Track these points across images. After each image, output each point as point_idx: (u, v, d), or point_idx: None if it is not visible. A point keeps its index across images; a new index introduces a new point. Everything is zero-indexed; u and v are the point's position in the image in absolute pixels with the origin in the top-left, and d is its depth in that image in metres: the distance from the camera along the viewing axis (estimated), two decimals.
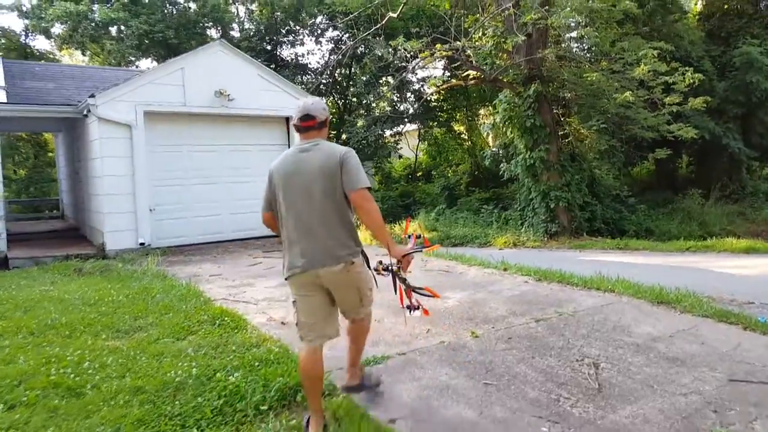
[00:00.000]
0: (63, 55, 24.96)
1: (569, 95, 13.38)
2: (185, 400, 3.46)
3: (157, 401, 3.49)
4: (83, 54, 23.05)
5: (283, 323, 4.97)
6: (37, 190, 22.43)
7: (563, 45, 13.70)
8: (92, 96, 9.11)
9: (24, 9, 20.90)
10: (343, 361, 3.56)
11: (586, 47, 14.63)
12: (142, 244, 9.62)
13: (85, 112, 9.59)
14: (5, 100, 9.58)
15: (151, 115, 9.71)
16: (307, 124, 3.14)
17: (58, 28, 20.64)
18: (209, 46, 10.45)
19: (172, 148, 10.12)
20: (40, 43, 25.29)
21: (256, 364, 3.90)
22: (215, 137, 10.59)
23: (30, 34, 23.22)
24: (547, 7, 11.12)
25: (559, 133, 13.40)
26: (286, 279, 3.21)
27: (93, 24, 19.45)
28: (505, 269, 7.16)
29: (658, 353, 4.05)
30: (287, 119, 11.30)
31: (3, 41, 24.21)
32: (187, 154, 10.29)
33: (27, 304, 5.81)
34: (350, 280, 3.11)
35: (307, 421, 3.09)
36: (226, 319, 5.01)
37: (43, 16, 19.80)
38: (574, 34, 14.65)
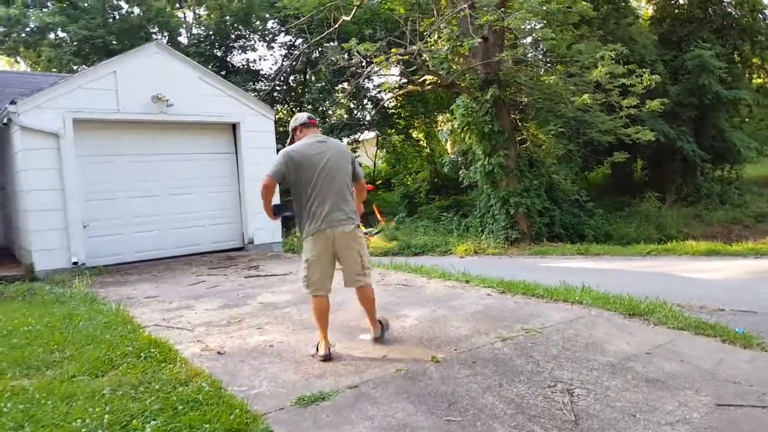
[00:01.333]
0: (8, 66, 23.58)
1: (526, 99, 13.19)
2: None
3: None
4: (16, 62, 21.74)
5: (219, 353, 4.37)
6: None
7: (520, 49, 13.51)
8: (13, 103, 8.24)
9: None
10: (284, 399, 3.45)
11: (542, 51, 14.51)
12: (75, 263, 8.80)
13: (5, 121, 8.71)
14: None
15: (82, 123, 8.90)
16: (314, 122, 4.42)
17: None
18: (144, 48, 9.68)
19: (106, 158, 9.31)
20: None
21: (181, 407, 3.30)
22: (154, 146, 9.82)
23: None
24: (503, 8, 10.87)
25: (517, 139, 13.20)
26: (309, 236, 4.11)
27: (27, 29, 18.27)
28: (467, 281, 6.72)
29: (636, 374, 3.66)
30: (234, 126, 10.64)
31: None
32: (123, 164, 9.48)
33: None
34: (354, 241, 4.16)
35: (316, 346, 4.18)
36: (153, 350, 4.37)
37: None
38: (529, 39, 14.54)
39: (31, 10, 18.23)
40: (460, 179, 14.34)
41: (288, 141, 4.43)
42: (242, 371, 3.94)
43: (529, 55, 14.18)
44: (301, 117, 4.41)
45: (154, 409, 3.28)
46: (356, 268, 4.16)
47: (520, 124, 13.28)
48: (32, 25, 17.98)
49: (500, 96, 12.20)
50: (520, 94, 13.03)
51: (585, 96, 11.15)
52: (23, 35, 18.48)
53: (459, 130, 13.25)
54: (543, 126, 13.74)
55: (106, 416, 3.21)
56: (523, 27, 12.01)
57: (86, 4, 18.97)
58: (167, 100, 9.47)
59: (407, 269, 7.88)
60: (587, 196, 15.70)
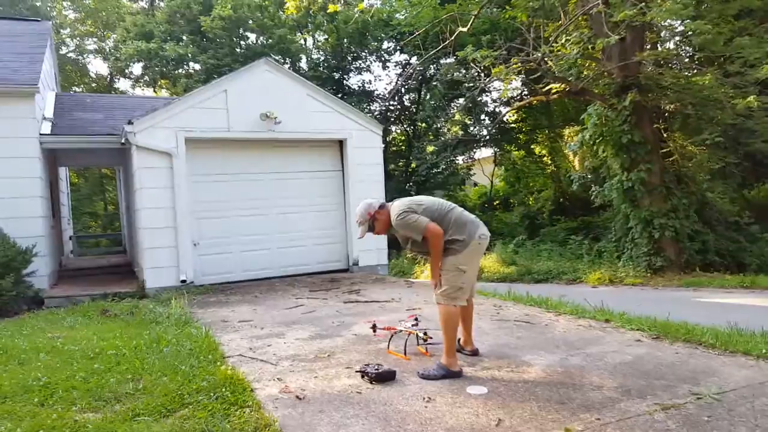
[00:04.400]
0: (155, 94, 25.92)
1: (672, 106, 11.42)
2: None
3: None
4: (155, 90, 23.58)
5: (298, 397, 3.63)
6: (121, 226, 22.96)
7: (663, 50, 11.82)
8: (130, 123, 8.38)
9: (105, 51, 21.66)
10: None
11: (690, 49, 12.60)
12: (183, 281, 8.72)
13: (123, 140, 8.94)
14: (49, 132, 9.20)
15: (193, 142, 8.88)
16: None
17: (135, 69, 21.20)
18: (254, 66, 9.54)
19: (217, 177, 9.22)
20: (122, 84, 26.50)
21: None
22: (262, 164, 9.62)
23: (114, 77, 24.18)
24: (644, 2, 9.42)
25: (661, 151, 11.47)
26: (469, 248, 3.93)
27: (164, 61, 19.66)
28: (606, 320, 5.45)
29: None
30: (341, 142, 10.20)
31: (95, 85, 25.50)
32: (232, 183, 9.34)
33: (24, 355, 4.91)
34: None
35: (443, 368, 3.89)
36: (226, 389, 3.75)
37: (119, 56, 20.28)
38: (674, 39, 12.75)
39: (167, 44, 19.58)
40: (592, 198, 12.79)
41: (370, 227, 4.25)
42: (319, 426, 3.16)
43: (676, 53, 12.35)
44: (375, 202, 4.24)
45: None
46: (475, 283, 4.42)
47: (664, 134, 11.53)
48: (167, 57, 19.25)
49: (641, 101, 10.64)
50: (665, 99, 11.31)
51: (751, 98, 9.26)
52: (160, 68, 19.89)
53: (590, 142, 11.77)
54: (693, 136, 11.83)
55: None
56: (668, 24, 10.41)
57: (214, 35, 20.00)
58: (275, 118, 9.23)
59: (528, 301, 6.73)
60: (749, 218, 13.36)
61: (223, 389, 3.75)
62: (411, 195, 20.55)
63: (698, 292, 9.42)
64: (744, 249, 12.34)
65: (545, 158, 21.18)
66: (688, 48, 12.57)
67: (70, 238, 15.88)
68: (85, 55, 26.03)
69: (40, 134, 9.09)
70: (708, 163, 11.67)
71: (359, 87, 21.55)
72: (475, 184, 25.65)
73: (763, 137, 10.81)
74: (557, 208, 19.07)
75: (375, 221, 4.14)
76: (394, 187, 19.12)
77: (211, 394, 3.68)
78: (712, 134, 10.85)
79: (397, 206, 4.02)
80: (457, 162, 20.37)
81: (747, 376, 3.70)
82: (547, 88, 11.96)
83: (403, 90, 20.62)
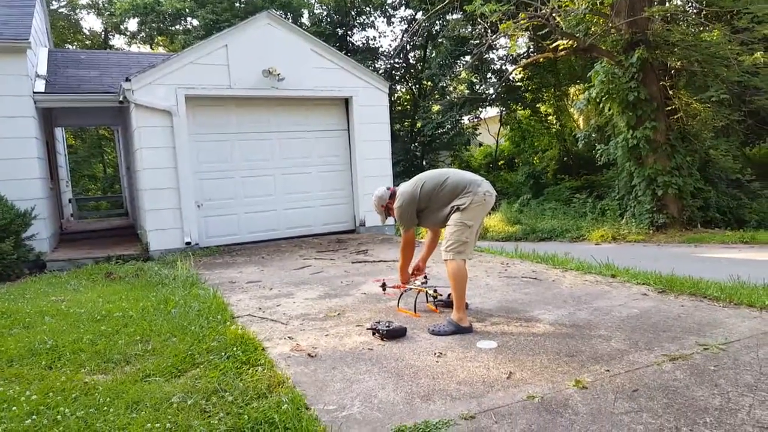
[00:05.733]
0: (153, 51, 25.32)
1: (679, 63, 11.22)
2: None
3: None
4: (152, 48, 23.09)
5: (310, 355, 3.67)
6: (122, 188, 22.85)
7: (672, 4, 11.53)
8: (127, 80, 8.20)
9: (98, 6, 21.11)
10: (379, 430, 2.61)
11: (698, 4, 12.29)
12: (188, 243, 8.73)
13: (121, 98, 8.77)
14: (43, 90, 8.94)
15: (194, 100, 8.73)
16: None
17: (130, 25, 20.70)
18: (255, 19, 9.25)
19: (219, 136, 9.10)
20: (117, 41, 25.93)
21: (250, 430, 2.63)
22: (266, 123, 9.48)
23: (109, 33, 23.59)
24: None
25: (666, 109, 11.34)
26: (473, 204, 4.08)
27: (160, 16, 19.21)
28: (613, 275, 5.51)
29: None
30: (346, 100, 10.04)
31: (89, 43, 24.95)
32: (235, 142, 9.24)
33: (29, 319, 4.92)
34: None
35: (453, 324, 3.97)
36: (238, 348, 3.78)
37: (113, 11, 19.81)
38: None
39: None
40: (597, 155, 12.72)
41: (386, 213, 4.65)
42: (332, 382, 3.20)
43: (684, 9, 12.07)
44: (385, 193, 4.61)
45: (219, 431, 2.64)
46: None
47: (670, 91, 11.37)
48: (164, 11, 18.77)
49: (648, 58, 10.45)
50: (672, 56, 11.11)
51: (758, 54, 9.10)
52: (156, 23, 19.42)
53: (597, 100, 11.62)
54: (698, 93, 11.69)
55: None
56: None
57: None
58: (278, 74, 9.04)
59: (535, 258, 6.77)
60: (751, 175, 13.34)
61: (234, 349, 3.78)
62: (416, 155, 20.55)
63: (700, 248, 9.50)
64: (744, 206, 12.43)
65: (550, 117, 20.99)
66: (696, 3, 12.27)
67: (70, 200, 15.82)
68: (77, 11, 25.24)
69: (34, 92, 8.82)
70: (712, 120, 11.56)
71: (363, 44, 21.18)
72: (480, 144, 25.50)
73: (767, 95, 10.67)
74: (561, 167, 19.03)
75: (390, 210, 4.55)
76: (400, 147, 18.96)
77: (222, 354, 3.71)
78: (718, 91, 10.72)
79: (399, 195, 4.40)
80: (462, 122, 20.16)
81: (751, 327, 3.77)
82: (554, 45, 11.73)
83: (408, 47, 20.25)
